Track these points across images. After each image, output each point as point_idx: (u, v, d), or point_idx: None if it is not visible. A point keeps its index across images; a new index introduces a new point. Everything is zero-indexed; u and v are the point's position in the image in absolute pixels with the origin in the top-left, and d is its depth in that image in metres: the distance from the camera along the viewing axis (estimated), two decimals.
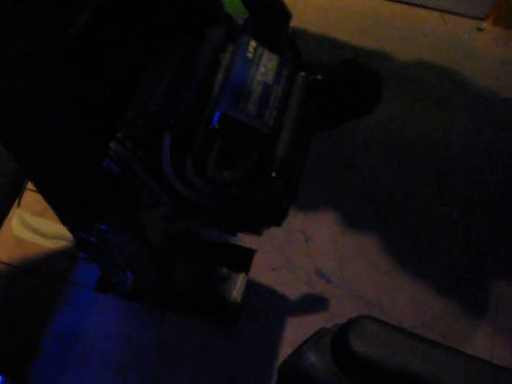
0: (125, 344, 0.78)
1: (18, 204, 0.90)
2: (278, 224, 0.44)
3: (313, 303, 0.85)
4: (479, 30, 1.12)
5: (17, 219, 0.89)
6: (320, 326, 0.74)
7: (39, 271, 0.85)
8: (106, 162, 0.41)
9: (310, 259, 0.88)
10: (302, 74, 0.43)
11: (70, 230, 0.65)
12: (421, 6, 1.14)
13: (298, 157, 0.42)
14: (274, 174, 0.39)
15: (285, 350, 0.81)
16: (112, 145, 0.39)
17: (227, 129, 0.36)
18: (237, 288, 0.85)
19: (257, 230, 0.46)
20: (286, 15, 0.38)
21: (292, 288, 0.85)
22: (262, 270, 0.86)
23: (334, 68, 0.43)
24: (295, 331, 0.82)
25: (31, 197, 0.90)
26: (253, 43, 0.39)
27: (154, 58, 0.39)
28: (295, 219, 0.90)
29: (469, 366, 0.68)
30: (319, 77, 0.43)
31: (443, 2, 1.12)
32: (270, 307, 0.84)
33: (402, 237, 0.90)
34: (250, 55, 0.39)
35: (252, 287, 0.85)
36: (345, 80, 0.43)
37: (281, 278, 0.86)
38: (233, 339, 0.82)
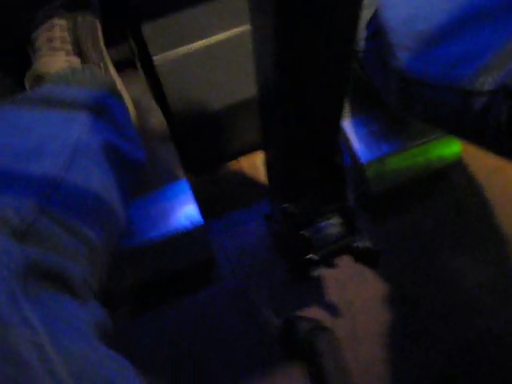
0: (251, 252, 1.42)
1: None
2: None
3: None
4: None
5: None
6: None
7: None
8: None
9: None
10: (351, 237, 0.99)
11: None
12: None
13: None
14: None
15: None
16: None
17: None
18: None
19: None
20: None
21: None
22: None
23: (367, 248, 0.99)
24: None
25: None
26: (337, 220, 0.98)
27: None
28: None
29: None
30: (356, 245, 0.99)
31: None
32: None
33: None
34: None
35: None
36: (366, 254, 0.98)
37: None
38: None
